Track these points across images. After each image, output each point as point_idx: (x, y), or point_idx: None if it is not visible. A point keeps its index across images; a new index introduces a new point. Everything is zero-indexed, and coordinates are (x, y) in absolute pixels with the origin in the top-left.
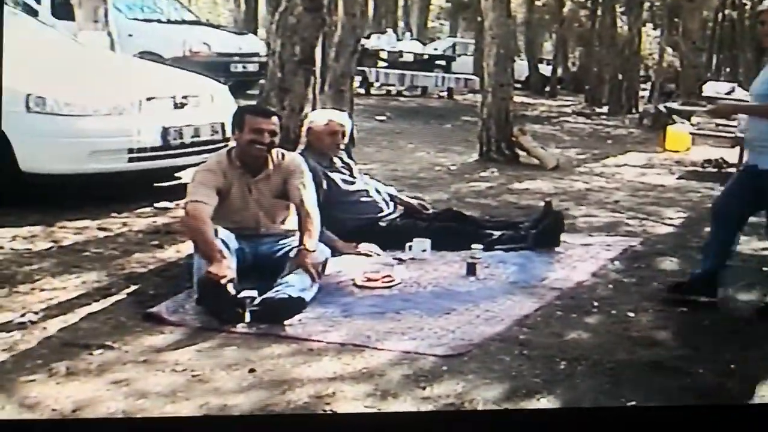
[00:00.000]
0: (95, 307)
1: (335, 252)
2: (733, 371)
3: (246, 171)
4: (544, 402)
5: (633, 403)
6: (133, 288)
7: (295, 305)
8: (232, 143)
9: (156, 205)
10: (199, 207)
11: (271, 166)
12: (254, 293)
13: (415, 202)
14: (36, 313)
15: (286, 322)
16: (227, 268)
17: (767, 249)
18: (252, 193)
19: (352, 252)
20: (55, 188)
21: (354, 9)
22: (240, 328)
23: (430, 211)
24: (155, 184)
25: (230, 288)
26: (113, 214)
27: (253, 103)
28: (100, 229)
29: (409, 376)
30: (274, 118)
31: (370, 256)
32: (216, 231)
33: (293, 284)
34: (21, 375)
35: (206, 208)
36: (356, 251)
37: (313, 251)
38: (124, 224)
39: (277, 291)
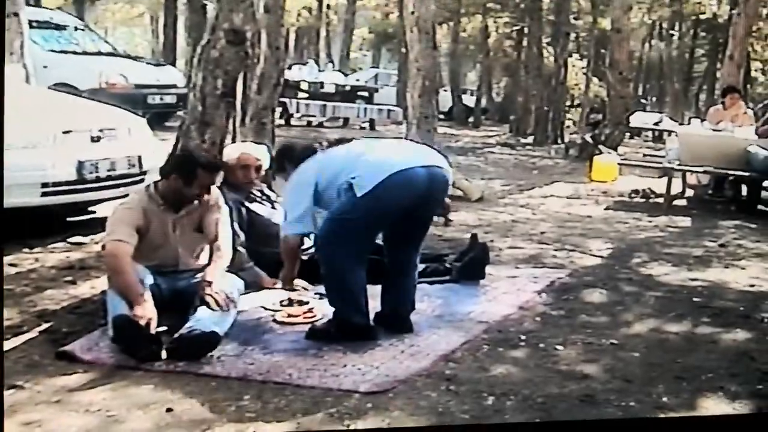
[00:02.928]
0: (6, 345)
1: (258, 288)
2: (666, 404)
3: (168, 208)
4: None
5: None
6: (45, 326)
7: (209, 340)
8: (151, 179)
9: (69, 240)
10: (120, 246)
11: (195, 202)
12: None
13: None
14: None
15: (203, 359)
16: (150, 311)
17: (697, 279)
18: (175, 229)
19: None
20: None
21: (278, 42)
22: (156, 366)
23: None
24: (69, 219)
25: (150, 326)
26: (25, 250)
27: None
28: (11, 265)
29: (332, 414)
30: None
31: (297, 290)
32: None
33: (203, 318)
34: None
35: (127, 247)
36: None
37: (210, 281)
38: (36, 260)
39: (190, 328)
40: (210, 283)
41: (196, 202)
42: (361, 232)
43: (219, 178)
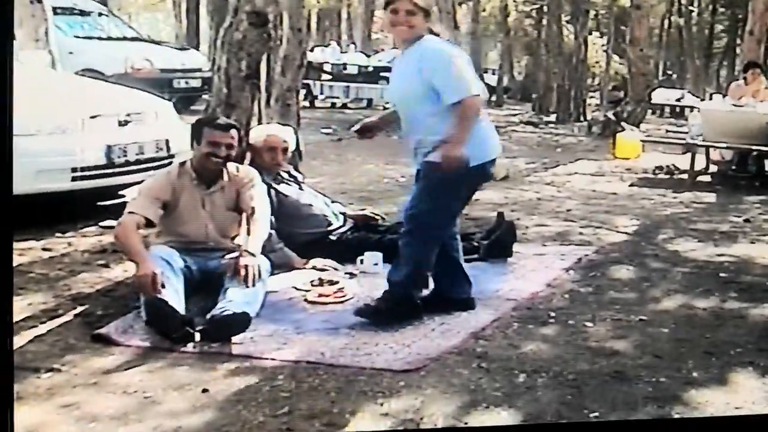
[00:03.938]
0: (42, 329)
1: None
2: (696, 379)
3: (200, 182)
4: (505, 415)
5: (595, 414)
6: (80, 309)
7: (241, 321)
8: (190, 155)
9: (101, 224)
10: (129, 218)
11: (226, 179)
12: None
13: (367, 211)
14: None
15: (236, 340)
16: (150, 267)
17: (724, 255)
18: (205, 205)
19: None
20: None
21: (300, 23)
22: (191, 347)
23: (384, 221)
24: (99, 203)
25: (178, 307)
26: (58, 235)
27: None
28: (45, 249)
29: (365, 392)
30: (233, 131)
31: (327, 270)
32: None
33: (235, 299)
34: None
35: (135, 218)
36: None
37: (252, 254)
38: (69, 244)
39: (222, 309)
40: (247, 254)
41: (226, 178)
42: (457, 203)
43: (231, 139)
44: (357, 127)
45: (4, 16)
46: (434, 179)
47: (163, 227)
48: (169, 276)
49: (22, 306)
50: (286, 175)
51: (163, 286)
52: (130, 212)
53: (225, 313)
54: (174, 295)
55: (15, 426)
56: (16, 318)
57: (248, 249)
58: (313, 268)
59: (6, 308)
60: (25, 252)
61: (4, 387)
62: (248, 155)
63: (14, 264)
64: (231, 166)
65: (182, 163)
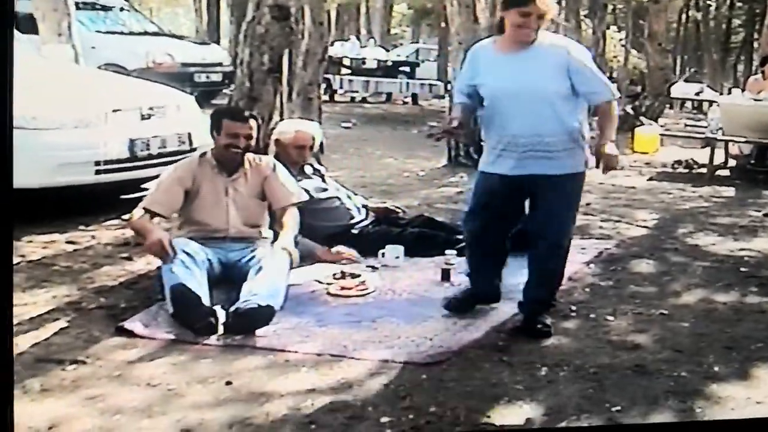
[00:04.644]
0: (66, 321)
1: (312, 260)
2: (717, 373)
3: (222, 170)
4: (527, 409)
5: (617, 408)
6: (104, 301)
7: (265, 314)
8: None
9: (124, 217)
10: (138, 212)
11: (247, 166)
12: None
13: (388, 205)
14: None
15: (260, 333)
16: (158, 234)
17: (744, 249)
18: (228, 193)
19: (330, 259)
20: (22, 203)
21: (321, 17)
22: (214, 340)
23: (405, 214)
24: (122, 197)
25: (204, 299)
26: (81, 228)
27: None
28: (69, 242)
29: (388, 385)
30: (252, 122)
31: (352, 260)
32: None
33: (259, 292)
34: None
35: (144, 213)
36: (335, 257)
37: (287, 248)
38: (93, 237)
39: (246, 301)
40: (288, 253)
41: (248, 165)
42: None
43: (250, 130)
44: (439, 131)
45: (3, 6)
46: (575, 187)
47: (184, 217)
48: (191, 269)
49: (46, 298)
50: (310, 169)
51: (173, 250)
52: (142, 206)
53: (249, 306)
54: (198, 288)
55: (15, 424)
56: (40, 310)
57: (283, 244)
58: (337, 253)
59: (6, 307)
60: (49, 245)
61: (4, 386)
62: (273, 149)
63: (39, 257)
64: (251, 156)
65: (203, 154)
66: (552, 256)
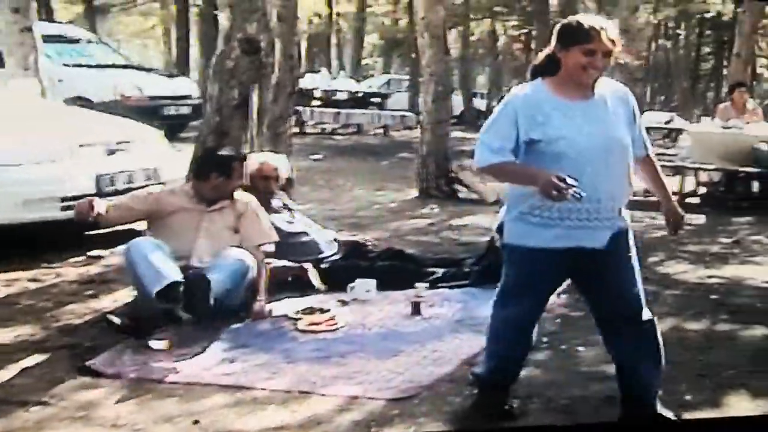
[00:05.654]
0: (30, 361)
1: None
2: (689, 402)
3: (200, 202)
4: None
5: None
6: (68, 341)
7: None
8: (180, 183)
9: (89, 253)
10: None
11: (227, 200)
12: None
13: (358, 238)
14: None
15: (227, 371)
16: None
17: (714, 277)
18: (203, 222)
19: (300, 273)
20: None
21: (291, 50)
22: (178, 378)
23: (374, 246)
24: (87, 233)
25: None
26: (44, 265)
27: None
28: (32, 280)
29: (358, 421)
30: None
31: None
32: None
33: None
34: None
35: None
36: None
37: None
38: (57, 275)
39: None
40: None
41: (228, 200)
42: None
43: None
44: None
45: None
46: (633, 247)
47: (153, 236)
48: (161, 257)
49: (9, 338)
50: (278, 203)
51: (93, 209)
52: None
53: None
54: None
55: None
56: (3, 350)
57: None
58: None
59: None
60: (12, 283)
61: None
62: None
63: (2, 295)
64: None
65: (187, 182)
66: (648, 334)
